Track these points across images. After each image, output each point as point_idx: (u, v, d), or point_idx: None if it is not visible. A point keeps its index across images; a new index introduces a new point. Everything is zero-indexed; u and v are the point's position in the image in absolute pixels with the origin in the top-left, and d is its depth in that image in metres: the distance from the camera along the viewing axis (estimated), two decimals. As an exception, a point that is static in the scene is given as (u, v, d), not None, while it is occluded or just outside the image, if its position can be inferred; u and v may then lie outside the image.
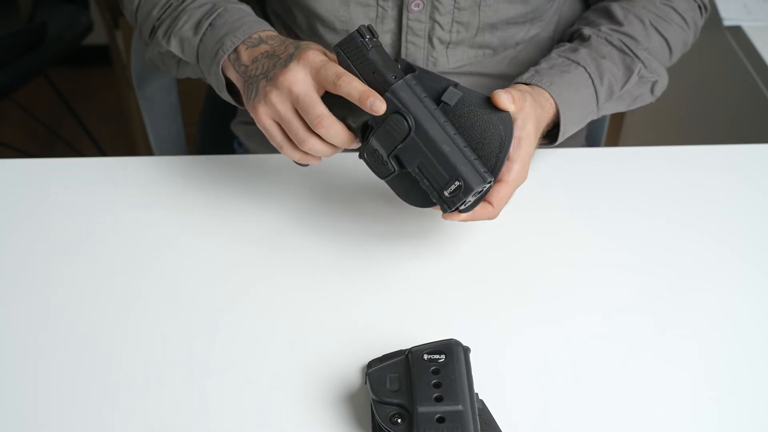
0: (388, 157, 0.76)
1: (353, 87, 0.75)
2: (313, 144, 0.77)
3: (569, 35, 0.98)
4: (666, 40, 0.95)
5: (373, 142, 0.76)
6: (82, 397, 0.74)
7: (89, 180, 0.96)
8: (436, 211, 0.79)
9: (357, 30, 0.76)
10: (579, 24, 0.98)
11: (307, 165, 0.83)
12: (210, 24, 0.87)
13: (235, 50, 0.83)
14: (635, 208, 0.93)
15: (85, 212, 0.92)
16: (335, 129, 0.76)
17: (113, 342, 0.78)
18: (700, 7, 1.00)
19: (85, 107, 2.50)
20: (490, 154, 0.75)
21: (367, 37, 0.75)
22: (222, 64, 0.84)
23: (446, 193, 0.74)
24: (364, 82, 0.75)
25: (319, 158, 0.81)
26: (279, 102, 0.77)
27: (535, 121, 0.81)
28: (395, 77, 0.75)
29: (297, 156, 0.80)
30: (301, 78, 0.76)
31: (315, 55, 0.77)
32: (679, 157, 1.02)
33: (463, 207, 0.75)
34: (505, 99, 0.77)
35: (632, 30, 0.93)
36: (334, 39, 0.96)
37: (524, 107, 0.79)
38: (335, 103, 0.76)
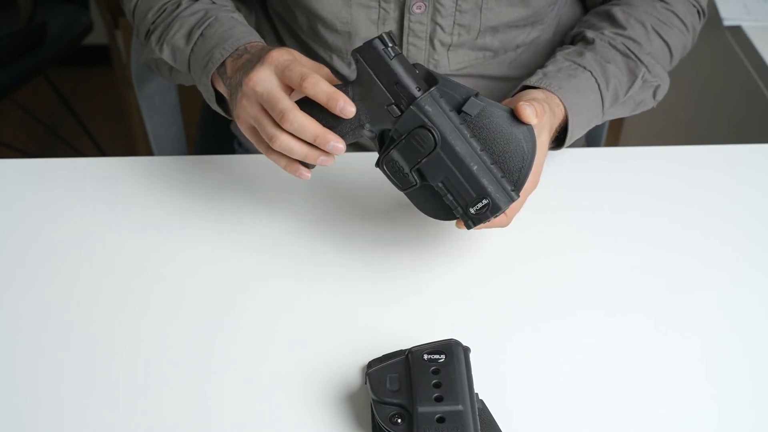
0: (410, 170, 0.74)
1: (319, 89, 0.73)
2: (283, 140, 0.75)
3: (571, 38, 0.98)
4: (667, 43, 0.95)
5: (395, 154, 0.74)
6: (82, 397, 0.74)
7: (89, 180, 0.96)
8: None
9: (378, 37, 0.73)
10: (581, 27, 0.98)
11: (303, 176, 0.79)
12: (201, 34, 0.87)
13: (223, 63, 0.83)
14: (636, 208, 0.93)
15: (85, 212, 0.92)
16: (299, 121, 0.73)
17: (113, 342, 0.78)
18: (698, 11, 1.00)
19: (85, 107, 2.50)
20: (513, 169, 0.74)
21: (390, 45, 0.73)
22: (211, 77, 0.84)
23: (472, 210, 0.73)
24: (386, 92, 0.73)
25: (308, 170, 0.78)
26: (249, 105, 0.76)
27: (549, 129, 0.82)
28: (419, 89, 0.73)
29: (282, 162, 0.78)
30: (264, 77, 0.75)
31: (279, 54, 0.76)
32: (679, 157, 1.02)
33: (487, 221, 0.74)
34: (529, 112, 0.75)
35: (635, 33, 0.93)
36: (335, 40, 0.96)
37: (543, 118, 0.79)
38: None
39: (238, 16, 0.90)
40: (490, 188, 0.72)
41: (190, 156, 1.02)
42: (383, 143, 0.77)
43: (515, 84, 1.03)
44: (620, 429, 0.72)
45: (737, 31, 1.47)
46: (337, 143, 0.74)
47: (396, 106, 0.73)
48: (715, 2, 1.50)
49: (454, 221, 0.77)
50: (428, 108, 0.72)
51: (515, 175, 0.74)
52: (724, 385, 0.75)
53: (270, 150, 0.78)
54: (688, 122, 1.76)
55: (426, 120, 0.72)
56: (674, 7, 0.97)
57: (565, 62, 0.90)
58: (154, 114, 1.28)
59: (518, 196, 0.74)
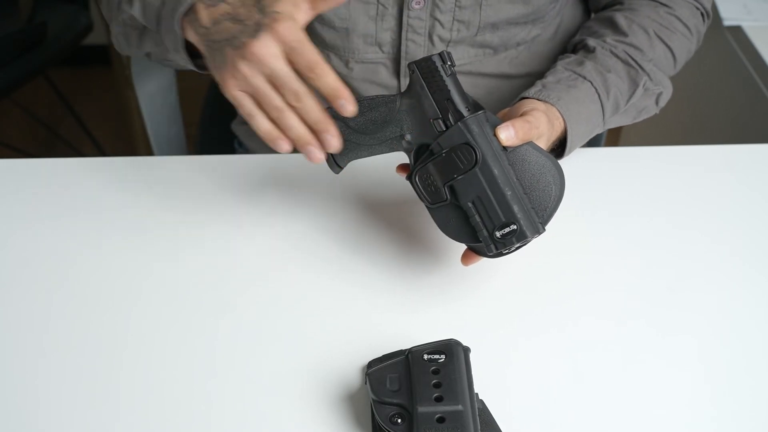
0: (444, 185, 0.75)
1: (324, 82, 0.70)
2: (288, 116, 0.71)
3: (573, 46, 0.98)
4: (670, 49, 0.95)
5: (431, 167, 0.75)
6: (83, 396, 0.74)
7: (89, 180, 0.96)
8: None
9: (438, 54, 0.75)
10: (583, 34, 0.98)
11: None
12: None
13: (193, 8, 0.77)
14: (635, 208, 0.93)
15: (85, 212, 0.92)
16: (310, 103, 0.70)
17: (113, 342, 0.78)
18: (702, 14, 1.00)
19: (85, 107, 2.50)
20: (539, 207, 0.75)
21: (448, 63, 0.75)
22: (181, 23, 0.78)
23: (498, 234, 0.73)
24: (435, 106, 0.75)
25: (288, 143, 0.73)
26: (250, 75, 0.71)
27: (546, 140, 0.82)
28: (468, 109, 0.74)
29: (267, 125, 0.73)
30: (274, 52, 0.70)
31: (288, 29, 0.70)
32: (679, 157, 1.02)
33: (506, 251, 0.75)
34: (503, 137, 0.74)
35: (637, 41, 0.93)
36: (332, 37, 0.96)
37: (530, 132, 0.78)
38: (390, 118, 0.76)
39: None
40: (520, 215, 0.73)
41: (190, 156, 1.02)
42: (418, 158, 0.77)
43: (515, 82, 1.03)
44: (619, 430, 0.72)
45: (737, 31, 1.47)
46: (332, 138, 0.72)
47: (442, 121, 0.75)
48: (715, 2, 1.50)
49: (460, 258, 0.78)
50: (474, 128, 0.74)
51: (542, 213, 0.75)
52: (722, 388, 0.75)
53: (261, 117, 0.73)
54: (688, 122, 1.76)
55: (470, 138, 0.73)
56: (677, 12, 0.96)
57: (565, 72, 0.89)
58: (154, 114, 1.28)
59: (544, 230, 0.74)
